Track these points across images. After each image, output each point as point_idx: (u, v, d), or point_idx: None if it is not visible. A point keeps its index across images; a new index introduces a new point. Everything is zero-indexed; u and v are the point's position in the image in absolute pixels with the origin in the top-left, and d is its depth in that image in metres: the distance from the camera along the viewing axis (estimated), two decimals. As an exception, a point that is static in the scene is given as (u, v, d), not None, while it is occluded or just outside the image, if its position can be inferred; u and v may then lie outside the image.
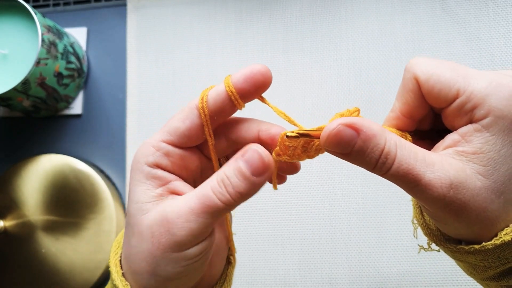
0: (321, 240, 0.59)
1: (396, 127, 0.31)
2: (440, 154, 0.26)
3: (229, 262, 0.35)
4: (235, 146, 0.32)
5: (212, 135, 0.30)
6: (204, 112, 0.29)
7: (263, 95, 0.32)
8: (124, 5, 0.69)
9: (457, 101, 0.26)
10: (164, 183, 0.30)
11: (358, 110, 0.29)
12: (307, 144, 0.29)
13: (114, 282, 0.30)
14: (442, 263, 0.56)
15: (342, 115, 0.28)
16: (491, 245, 0.26)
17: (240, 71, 0.29)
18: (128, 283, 0.29)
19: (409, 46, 0.62)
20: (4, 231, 0.61)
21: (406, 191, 0.27)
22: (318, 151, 0.29)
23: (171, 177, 0.30)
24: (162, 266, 0.28)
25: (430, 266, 0.56)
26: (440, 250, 0.31)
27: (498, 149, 0.25)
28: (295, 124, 0.31)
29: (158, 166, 0.30)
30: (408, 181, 0.25)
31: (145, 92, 0.66)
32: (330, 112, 0.62)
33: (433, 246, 0.31)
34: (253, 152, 0.28)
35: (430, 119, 0.32)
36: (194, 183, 0.32)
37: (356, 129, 0.25)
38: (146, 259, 0.28)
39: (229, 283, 0.34)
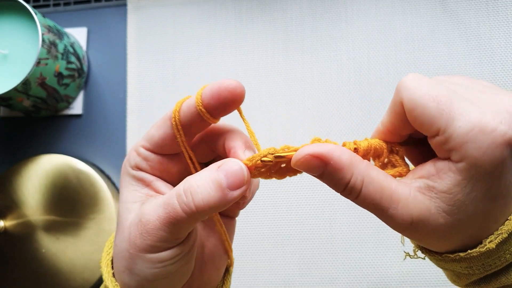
0: (321, 240, 0.59)
1: (383, 138, 0.31)
2: (410, 187, 0.27)
3: (227, 271, 0.35)
4: (217, 154, 0.33)
5: (186, 146, 0.30)
6: (176, 125, 0.30)
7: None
8: (124, 5, 0.69)
9: (437, 138, 0.26)
10: (146, 184, 0.31)
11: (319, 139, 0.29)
12: (276, 165, 0.29)
13: (105, 283, 0.31)
14: (442, 263, 0.56)
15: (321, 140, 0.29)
16: (476, 252, 0.27)
17: (210, 85, 0.29)
18: (117, 284, 0.30)
19: (409, 46, 0.62)
20: (4, 231, 0.61)
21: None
22: (286, 173, 0.30)
23: (152, 178, 0.31)
24: (138, 266, 0.29)
25: (430, 266, 0.56)
26: (426, 257, 0.31)
27: (467, 192, 0.25)
28: (257, 147, 0.31)
29: (139, 168, 0.31)
30: (373, 212, 0.27)
31: (145, 92, 0.66)
32: (330, 111, 0.62)
33: (419, 253, 0.32)
34: (234, 164, 0.28)
35: None
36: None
37: (324, 161, 0.26)
38: (126, 258, 0.29)
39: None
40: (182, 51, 0.67)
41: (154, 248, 0.28)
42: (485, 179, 0.25)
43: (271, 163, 0.28)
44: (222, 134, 0.32)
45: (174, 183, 0.32)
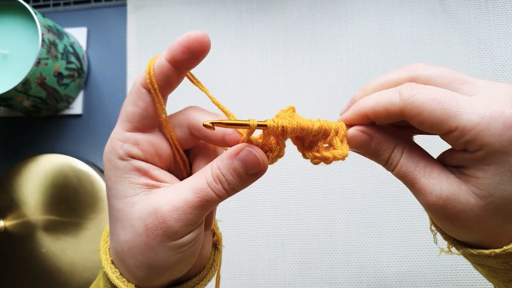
0: (320, 240, 0.59)
1: (349, 122, 0.32)
2: (444, 168, 0.29)
3: (217, 248, 0.36)
4: (199, 140, 0.32)
5: (164, 109, 0.31)
6: (153, 86, 0.29)
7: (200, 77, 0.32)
8: (124, 5, 0.69)
9: (451, 136, 0.27)
10: (143, 173, 0.30)
11: (292, 107, 0.31)
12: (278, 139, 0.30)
13: (104, 269, 0.30)
14: (442, 263, 0.56)
15: (278, 115, 0.30)
16: None
17: (178, 39, 0.29)
18: (117, 270, 0.30)
19: (409, 46, 0.62)
20: (5, 231, 0.61)
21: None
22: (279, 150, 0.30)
23: (148, 166, 0.30)
24: (160, 256, 0.28)
25: (430, 266, 0.56)
26: (460, 254, 0.32)
27: (492, 176, 0.27)
28: (225, 112, 0.32)
29: (130, 156, 0.30)
30: (406, 182, 0.30)
31: (145, 92, 0.66)
32: (330, 111, 0.62)
33: (453, 249, 0.33)
34: (249, 153, 0.29)
35: None
36: (170, 172, 0.32)
37: (370, 135, 0.31)
38: (143, 252, 0.28)
39: (216, 267, 0.35)
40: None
41: (178, 234, 0.28)
42: (506, 161, 0.26)
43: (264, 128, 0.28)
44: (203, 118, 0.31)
45: (170, 169, 0.32)
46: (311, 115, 0.62)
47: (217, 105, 0.31)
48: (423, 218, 0.57)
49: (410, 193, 0.55)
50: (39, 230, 0.61)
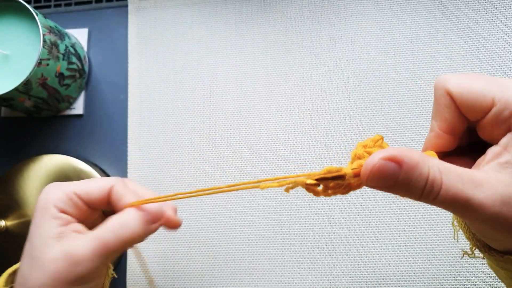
0: (320, 240, 0.59)
1: (437, 146, 0.29)
2: (484, 171, 0.25)
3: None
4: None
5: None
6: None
7: None
8: (125, 6, 0.70)
9: (493, 110, 0.25)
10: (66, 223, 0.34)
11: (382, 138, 0.28)
12: (337, 185, 0.27)
13: None
14: (443, 264, 0.56)
15: (365, 146, 0.27)
16: None
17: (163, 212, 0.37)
18: None
19: (408, 47, 0.62)
20: (6, 231, 0.61)
21: (456, 214, 0.26)
22: (349, 188, 0.28)
23: (72, 219, 0.35)
24: None
25: (430, 266, 0.56)
26: (484, 257, 0.30)
27: None
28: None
29: (64, 212, 0.35)
30: (458, 205, 0.24)
31: (146, 92, 0.66)
32: (330, 112, 0.62)
33: (476, 252, 0.30)
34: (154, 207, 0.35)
35: (464, 135, 0.31)
36: (90, 226, 0.37)
37: (397, 162, 0.24)
38: None
39: None
40: (183, 52, 0.67)
41: (84, 280, 0.32)
42: None
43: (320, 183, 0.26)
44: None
45: (88, 225, 0.37)
46: (311, 116, 0.62)
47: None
48: (424, 218, 0.57)
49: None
50: (40, 230, 0.61)
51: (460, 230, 0.31)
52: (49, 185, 0.36)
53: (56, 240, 0.33)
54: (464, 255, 0.31)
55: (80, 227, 0.35)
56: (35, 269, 0.32)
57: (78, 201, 0.35)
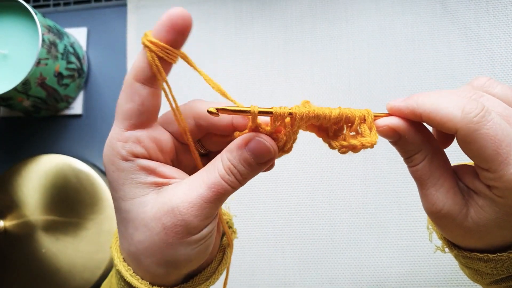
0: (321, 240, 0.59)
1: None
2: (456, 183, 0.30)
3: (227, 244, 0.36)
4: (207, 131, 0.32)
5: (174, 98, 0.31)
6: (161, 74, 0.30)
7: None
8: (124, 5, 0.69)
9: (486, 173, 0.27)
10: (150, 171, 0.29)
11: (307, 101, 0.30)
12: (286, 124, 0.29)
13: (117, 267, 0.31)
14: (443, 264, 0.56)
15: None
16: (505, 256, 0.29)
17: (158, 21, 0.30)
18: (130, 268, 0.30)
19: (409, 46, 0.62)
20: (4, 231, 0.61)
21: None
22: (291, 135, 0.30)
23: (154, 164, 0.29)
24: (181, 251, 0.28)
25: (431, 266, 0.56)
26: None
27: (496, 217, 0.28)
28: (225, 95, 0.32)
29: (134, 155, 0.29)
30: (417, 183, 0.31)
31: (145, 92, 0.66)
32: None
33: (447, 249, 0.34)
34: (258, 143, 0.29)
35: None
36: (173, 165, 0.32)
37: (400, 134, 0.30)
38: (161, 250, 0.28)
39: (227, 260, 0.36)
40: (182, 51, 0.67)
41: (198, 229, 0.28)
42: None
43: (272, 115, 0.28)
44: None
45: (173, 162, 0.32)
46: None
47: (217, 89, 0.32)
48: (425, 219, 0.57)
49: (412, 194, 0.56)
50: (39, 230, 0.61)
51: (434, 232, 0.36)
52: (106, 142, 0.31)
53: (150, 197, 0.29)
54: (437, 250, 0.36)
55: (169, 170, 0.30)
56: (138, 232, 0.29)
57: (134, 133, 0.30)
